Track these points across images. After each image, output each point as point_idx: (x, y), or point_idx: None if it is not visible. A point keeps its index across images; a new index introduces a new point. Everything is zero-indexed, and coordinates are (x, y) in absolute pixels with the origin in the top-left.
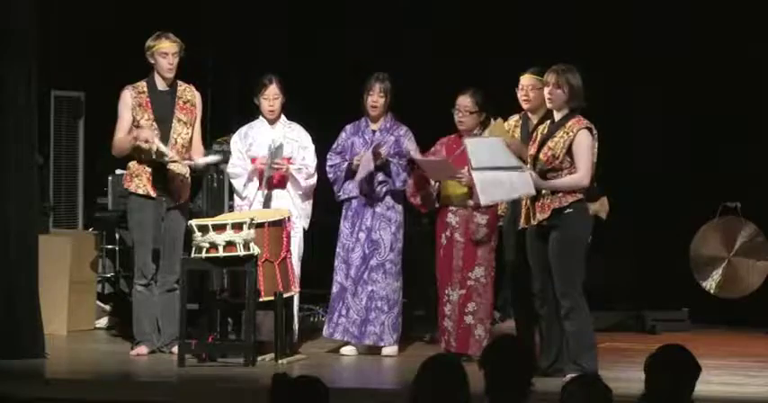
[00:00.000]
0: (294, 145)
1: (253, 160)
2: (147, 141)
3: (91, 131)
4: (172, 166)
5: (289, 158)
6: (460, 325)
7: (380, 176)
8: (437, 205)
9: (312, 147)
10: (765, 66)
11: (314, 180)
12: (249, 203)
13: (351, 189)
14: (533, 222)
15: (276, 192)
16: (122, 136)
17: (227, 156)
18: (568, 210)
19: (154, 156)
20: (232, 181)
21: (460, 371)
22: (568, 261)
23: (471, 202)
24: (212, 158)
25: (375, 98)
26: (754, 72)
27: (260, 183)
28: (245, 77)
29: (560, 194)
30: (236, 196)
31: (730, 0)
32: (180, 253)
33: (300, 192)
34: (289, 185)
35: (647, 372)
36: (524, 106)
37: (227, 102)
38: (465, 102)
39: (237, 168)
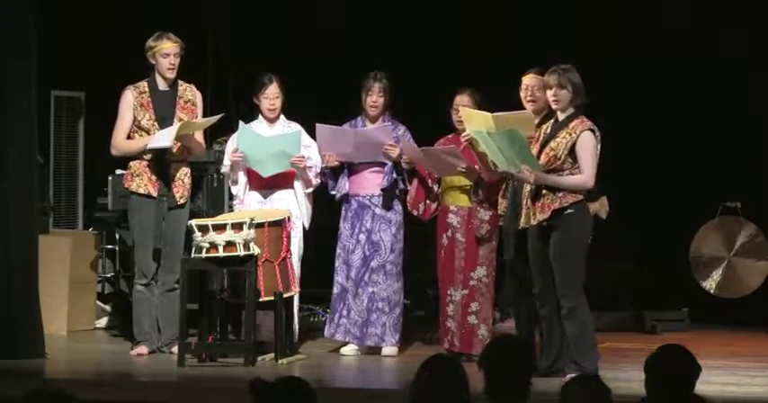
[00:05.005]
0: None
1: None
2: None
3: (91, 131)
4: (173, 166)
5: (302, 157)
6: (464, 325)
7: (394, 174)
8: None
9: (315, 145)
10: (765, 65)
11: (319, 178)
12: (240, 201)
13: (343, 185)
14: (533, 222)
15: (279, 192)
16: (124, 137)
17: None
18: (569, 211)
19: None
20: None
21: (460, 371)
22: (569, 261)
23: (474, 198)
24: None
25: (375, 98)
26: (754, 72)
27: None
28: (244, 77)
29: (561, 195)
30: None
31: (731, 0)
32: (180, 253)
33: (308, 191)
34: (296, 184)
35: (647, 372)
36: (529, 107)
37: (227, 102)
38: (463, 101)
39: (225, 168)
